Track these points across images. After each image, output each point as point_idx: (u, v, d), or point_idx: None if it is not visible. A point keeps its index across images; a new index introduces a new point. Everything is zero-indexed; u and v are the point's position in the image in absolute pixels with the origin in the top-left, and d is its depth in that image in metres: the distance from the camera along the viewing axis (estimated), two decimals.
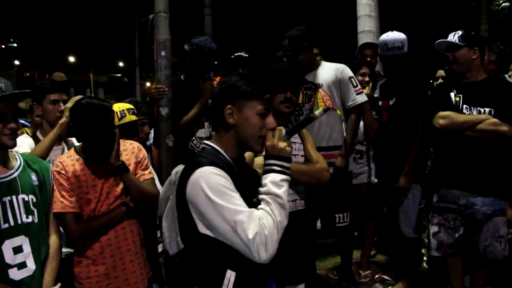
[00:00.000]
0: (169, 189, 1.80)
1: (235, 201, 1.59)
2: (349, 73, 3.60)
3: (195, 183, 1.60)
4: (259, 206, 1.64)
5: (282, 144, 1.72)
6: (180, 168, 1.79)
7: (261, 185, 1.70)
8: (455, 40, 3.15)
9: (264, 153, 1.79)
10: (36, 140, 2.81)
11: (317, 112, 1.91)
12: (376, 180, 4.04)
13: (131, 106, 2.99)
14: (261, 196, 1.67)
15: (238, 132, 1.74)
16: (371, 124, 3.91)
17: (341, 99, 3.57)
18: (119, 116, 2.84)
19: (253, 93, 1.73)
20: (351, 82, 3.57)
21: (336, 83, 3.54)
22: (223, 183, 1.60)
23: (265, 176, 1.70)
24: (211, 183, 1.59)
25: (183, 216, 1.68)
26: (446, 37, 3.22)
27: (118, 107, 2.89)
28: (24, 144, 2.71)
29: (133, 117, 2.93)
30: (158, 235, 1.84)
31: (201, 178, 1.60)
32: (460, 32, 3.17)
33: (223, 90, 1.77)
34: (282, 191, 1.66)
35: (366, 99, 3.65)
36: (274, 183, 1.66)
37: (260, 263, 1.58)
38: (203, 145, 1.81)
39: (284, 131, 1.76)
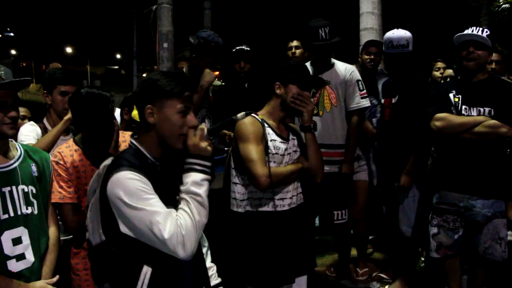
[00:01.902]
0: (96, 182, 1.81)
1: (152, 203, 1.62)
2: (358, 76, 3.61)
3: (112, 187, 1.63)
4: (179, 206, 1.67)
5: (204, 144, 1.74)
6: (107, 162, 1.79)
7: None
8: (484, 36, 3.05)
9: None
10: (43, 128, 2.81)
11: (239, 115, 1.91)
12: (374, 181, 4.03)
13: None
14: (181, 195, 1.70)
15: (158, 131, 1.74)
16: (370, 131, 3.93)
17: (345, 100, 3.57)
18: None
19: (173, 91, 1.72)
20: (358, 85, 3.57)
21: (343, 83, 3.53)
22: (139, 187, 1.62)
23: (186, 175, 1.72)
24: (126, 188, 1.61)
25: (105, 212, 1.70)
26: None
27: None
28: (30, 135, 2.71)
29: None
30: (87, 223, 1.88)
31: (118, 182, 1.63)
32: (487, 31, 3.08)
33: (144, 89, 1.76)
34: (203, 190, 1.69)
35: (369, 104, 3.65)
36: (194, 182, 1.69)
37: (177, 259, 1.62)
38: (129, 143, 1.82)
39: (206, 130, 1.77)
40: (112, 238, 1.73)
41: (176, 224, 1.59)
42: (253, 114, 2.53)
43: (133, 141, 1.79)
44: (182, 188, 1.70)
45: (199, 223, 1.64)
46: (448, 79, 4.19)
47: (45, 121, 2.85)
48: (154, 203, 1.62)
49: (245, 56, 3.72)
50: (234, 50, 3.73)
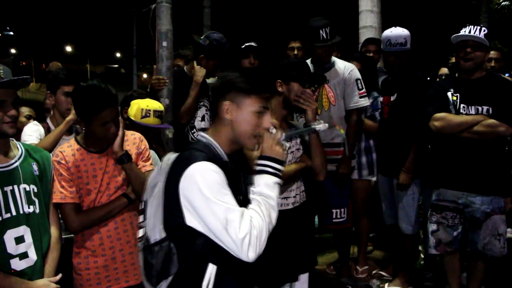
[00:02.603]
0: (158, 176, 1.77)
1: (228, 200, 1.60)
2: (357, 74, 3.60)
3: (191, 177, 1.60)
4: (250, 206, 1.65)
5: (278, 147, 1.75)
6: (171, 156, 1.77)
7: (248, 183, 1.74)
8: (482, 36, 3.05)
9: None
10: (46, 127, 2.82)
11: (321, 125, 1.91)
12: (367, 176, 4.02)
13: (161, 108, 2.89)
14: (253, 196, 1.68)
15: (234, 128, 1.75)
16: (374, 128, 3.93)
17: (344, 99, 3.57)
18: (143, 114, 2.80)
19: (253, 90, 1.74)
20: (357, 84, 3.56)
21: (342, 82, 3.53)
22: (218, 180, 1.61)
23: (258, 176, 1.71)
24: (207, 179, 1.59)
25: (170, 207, 1.67)
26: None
27: (146, 104, 2.83)
28: (33, 134, 2.72)
29: (156, 121, 2.85)
30: (140, 219, 1.83)
31: (198, 173, 1.60)
32: (485, 30, 3.08)
33: (223, 85, 1.77)
34: (275, 193, 1.69)
35: (369, 103, 3.65)
36: (267, 184, 1.68)
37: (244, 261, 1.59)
38: (199, 137, 1.81)
39: (281, 134, 1.79)
40: (175, 235, 1.70)
41: (250, 224, 1.56)
42: None
43: (206, 135, 1.78)
44: (254, 189, 1.69)
45: (269, 225, 1.63)
46: (443, 77, 4.19)
47: (48, 121, 2.87)
48: (230, 200, 1.61)
49: (255, 52, 3.73)
50: (243, 46, 3.73)
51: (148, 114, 2.81)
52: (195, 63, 3.51)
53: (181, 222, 1.63)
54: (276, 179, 1.71)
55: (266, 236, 1.60)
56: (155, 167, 1.84)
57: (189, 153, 1.70)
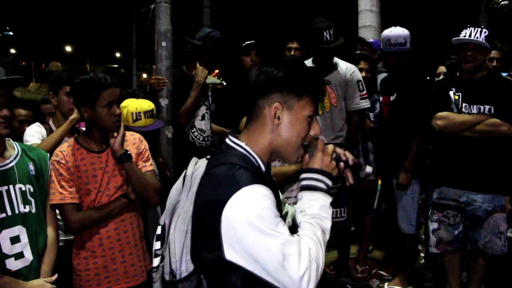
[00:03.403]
0: (180, 195, 1.51)
1: (283, 230, 1.33)
2: (358, 76, 3.60)
3: (239, 208, 1.31)
4: (304, 232, 1.39)
5: (331, 160, 1.50)
6: (196, 169, 1.50)
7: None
8: (482, 40, 3.05)
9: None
10: (48, 129, 2.83)
11: (370, 170, 1.74)
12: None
13: (151, 107, 2.85)
14: (304, 218, 1.42)
15: (280, 135, 1.46)
16: (368, 126, 3.94)
17: (345, 100, 3.57)
18: (134, 118, 2.78)
19: (308, 91, 1.45)
20: (358, 85, 3.56)
21: (344, 83, 3.52)
22: (272, 207, 1.34)
23: (308, 192, 1.46)
24: (260, 209, 1.31)
25: (203, 236, 1.40)
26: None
27: (135, 107, 2.79)
28: (35, 136, 2.73)
29: (149, 121, 2.82)
30: (157, 246, 1.57)
31: (249, 203, 1.31)
32: (486, 32, 3.07)
33: (269, 82, 1.44)
34: (330, 215, 1.45)
35: (369, 105, 3.65)
36: (324, 206, 1.44)
37: None
38: (231, 143, 1.51)
39: (334, 151, 1.54)
40: (206, 266, 1.42)
41: (309, 258, 1.30)
42: None
43: (240, 143, 1.48)
44: (304, 208, 1.44)
45: (323, 253, 1.37)
46: (441, 76, 4.20)
47: (50, 122, 2.87)
48: (284, 229, 1.33)
49: (257, 49, 3.73)
50: (244, 44, 3.73)
51: (139, 117, 2.79)
52: (197, 64, 3.51)
53: (218, 255, 1.35)
54: (331, 199, 1.46)
55: (323, 265, 1.35)
56: (176, 184, 1.57)
57: (229, 171, 1.38)
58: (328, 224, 1.43)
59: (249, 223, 1.29)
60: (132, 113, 2.78)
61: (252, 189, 1.33)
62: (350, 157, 1.55)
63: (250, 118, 1.50)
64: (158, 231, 1.58)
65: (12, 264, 1.91)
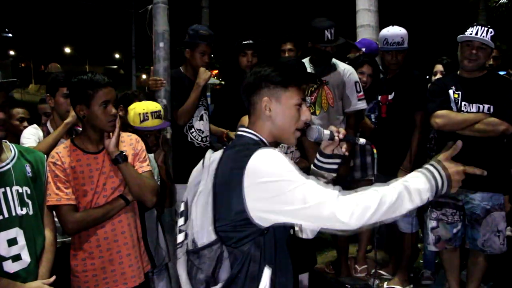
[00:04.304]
0: (200, 174, 1.65)
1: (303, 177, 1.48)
2: (356, 77, 3.59)
3: (258, 166, 1.48)
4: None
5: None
6: (214, 153, 1.68)
7: None
8: (488, 39, 3.05)
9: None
10: (45, 131, 2.82)
11: (362, 140, 1.86)
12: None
13: (158, 108, 2.86)
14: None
15: (274, 123, 1.66)
16: (369, 127, 3.92)
17: (342, 101, 3.56)
18: (141, 118, 2.78)
19: (290, 82, 1.66)
20: (356, 87, 3.55)
21: (341, 84, 3.51)
22: (289, 162, 1.51)
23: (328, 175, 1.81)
24: (280, 159, 1.49)
25: (226, 207, 1.52)
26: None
27: (142, 108, 2.81)
28: (31, 138, 2.73)
29: (157, 122, 2.82)
30: (181, 222, 1.69)
31: (266, 158, 1.49)
32: (492, 32, 3.08)
33: (258, 80, 1.67)
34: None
35: (366, 106, 3.64)
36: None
37: (289, 260, 1.56)
38: (243, 133, 1.69)
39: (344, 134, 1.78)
40: (228, 237, 1.53)
41: (337, 195, 1.45)
42: None
43: (250, 131, 1.68)
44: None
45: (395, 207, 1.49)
46: (438, 75, 4.20)
47: (48, 124, 2.87)
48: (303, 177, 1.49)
49: (254, 49, 3.73)
50: (242, 43, 3.73)
51: (146, 117, 2.79)
52: (196, 55, 3.53)
53: (239, 217, 1.49)
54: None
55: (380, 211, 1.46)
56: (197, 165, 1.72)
57: (245, 146, 1.59)
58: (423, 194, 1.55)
59: (275, 175, 1.46)
60: (139, 114, 2.78)
61: (270, 149, 1.53)
62: (342, 131, 1.77)
63: (250, 114, 1.71)
64: (182, 207, 1.70)
65: (10, 266, 1.91)
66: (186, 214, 1.68)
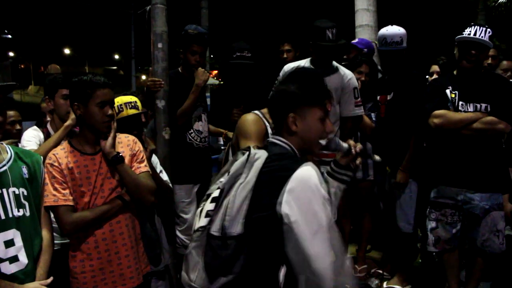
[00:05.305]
0: (243, 168, 1.71)
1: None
2: (355, 83, 3.56)
3: (308, 173, 1.61)
4: None
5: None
6: (260, 151, 1.75)
7: None
8: (486, 39, 3.05)
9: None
10: (46, 133, 2.82)
11: (378, 158, 1.98)
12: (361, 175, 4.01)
13: (133, 99, 2.84)
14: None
15: (302, 137, 1.78)
16: (370, 126, 3.91)
17: (340, 105, 3.54)
18: (116, 111, 2.75)
19: (316, 100, 1.78)
20: (354, 92, 3.53)
21: (340, 88, 3.49)
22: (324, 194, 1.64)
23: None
24: (319, 180, 1.62)
25: (262, 202, 1.62)
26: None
27: (116, 101, 2.77)
28: (32, 140, 2.73)
29: (132, 111, 2.79)
30: (211, 207, 1.72)
31: (313, 173, 1.62)
32: (490, 32, 3.08)
33: (285, 98, 1.79)
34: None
35: (363, 112, 3.62)
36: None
37: None
38: (279, 142, 1.80)
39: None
40: (255, 231, 1.62)
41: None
42: (257, 112, 2.55)
43: (285, 141, 1.79)
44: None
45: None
46: (434, 75, 4.19)
47: (48, 126, 2.87)
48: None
49: (244, 68, 3.73)
50: (234, 56, 3.73)
51: (121, 109, 2.76)
52: (189, 55, 3.54)
53: (272, 212, 1.59)
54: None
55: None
56: (239, 157, 1.78)
57: (285, 156, 1.74)
58: None
59: (313, 188, 1.58)
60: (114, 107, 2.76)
61: (312, 166, 1.63)
62: (358, 146, 1.95)
63: (277, 126, 1.84)
64: (216, 194, 1.73)
65: (7, 268, 1.91)
66: (218, 201, 1.71)
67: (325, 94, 1.82)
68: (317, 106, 1.78)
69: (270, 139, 1.85)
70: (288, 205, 1.57)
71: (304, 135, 1.77)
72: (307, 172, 1.61)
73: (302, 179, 1.60)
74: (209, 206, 1.73)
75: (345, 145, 1.88)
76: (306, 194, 1.58)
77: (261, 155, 1.72)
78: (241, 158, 1.76)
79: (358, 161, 1.97)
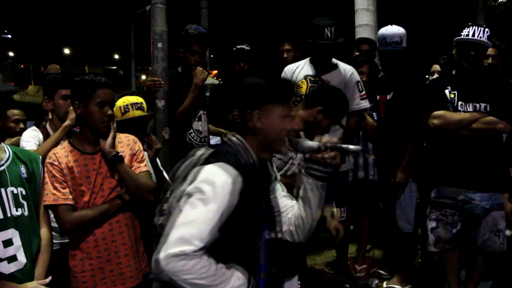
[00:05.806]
0: (186, 169, 1.76)
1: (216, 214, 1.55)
2: (357, 77, 3.58)
3: (211, 170, 1.61)
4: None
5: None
6: (204, 151, 1.76)
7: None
8: (485, 39, 3.05)
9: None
10: (45, 133, 2.81)
11: (353, 147, 1.86)
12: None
13: (139, 100, 2.84)
14: None
15: (265, 135, 1.74)
16: (371, 125, 3.91)
17: None
18: (122, 111, 2.77)
19: (280, 98, 1.75)
20: (358, 86, 3.54)
21: (343, 84, 3.49)
22: (228, 189, 1.58)
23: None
24: (216, 181, 1.58)
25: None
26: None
27: (122, 101, 2.80)
28: (31, 140, 2.72)
29: (138, 112, 2.79)
30: (164, 207, 1.76)
31: (218, 172, 1.59)
32: (488, 32, 3.07)
33: (249, 94, 1.76)
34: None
35: (369, 105, 3.63)
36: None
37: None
38: (233, 139, 1.77)
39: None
40: None
41: (193, 251, 1.49)
42: None
43: (240, 138, 1.76)
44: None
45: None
46: (435, 75, 4.19)
47: (47, 126, 2.86)
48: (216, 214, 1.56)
49: (245, 56, 3.72)
50: (234, 49, 3.72)
51: (127, 109, 2.77)
52: (189, 56, 3.54)
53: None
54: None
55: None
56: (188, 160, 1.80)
57: (218, 152, 1.70)
58: None
59: (203, 182, 1.57)
60: (120, 107, 2.76)
61: (226, 167, 1.60)
62: (328, 140, 1.78)
63: (241, 124, 1.78)
64: (167, 195, 1.78)
65: (6, 268, 1.91)
66: (167, 201, 1.76)
67: (289, 92, 1.81)
68: (281, 103, 1.74)
69: (228, 137, 1.83)
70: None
71: (269, 133, 1.74)
72: (215, 169, 1.60)
73: (207, 172, 1.60)
74: (164, 206, 1.77)
75: (314, 144, 1.77)
76: (198, 189, 1.57)
77: (202, 155, 1.72)
78: (188, 160, 1.80)
79: (330, 154, 1.78)
